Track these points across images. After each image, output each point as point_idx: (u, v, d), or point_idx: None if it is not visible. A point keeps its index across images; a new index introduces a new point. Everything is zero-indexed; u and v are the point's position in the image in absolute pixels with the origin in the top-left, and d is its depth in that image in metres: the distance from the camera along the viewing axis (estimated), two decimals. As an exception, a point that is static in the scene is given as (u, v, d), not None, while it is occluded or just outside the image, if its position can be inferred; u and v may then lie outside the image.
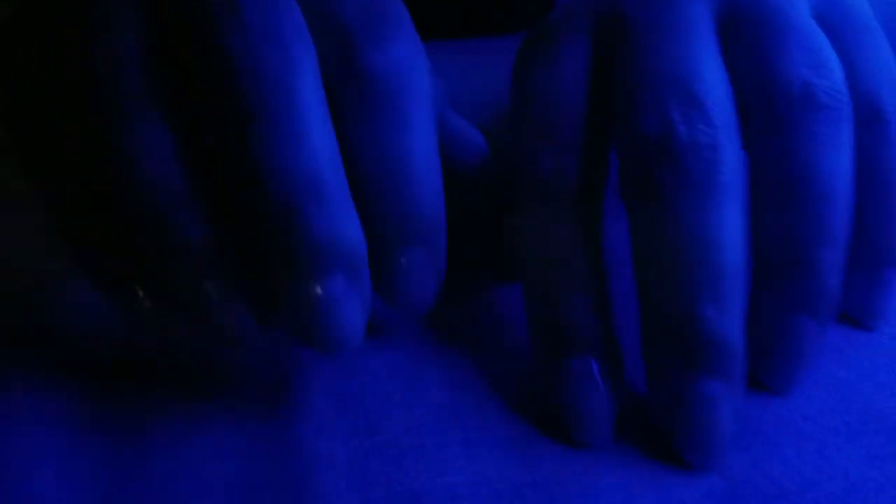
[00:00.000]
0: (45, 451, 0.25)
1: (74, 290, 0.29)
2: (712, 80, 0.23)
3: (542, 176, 0.24)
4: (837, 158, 0.23)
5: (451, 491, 0.24)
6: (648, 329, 0.23)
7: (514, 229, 0.25)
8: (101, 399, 0.27)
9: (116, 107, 0.21)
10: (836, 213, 0.23)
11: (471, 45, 0.42)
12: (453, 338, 0.29)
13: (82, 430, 0.26)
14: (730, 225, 0.22)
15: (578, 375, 0.23)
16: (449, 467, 0.25)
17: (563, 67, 0.25)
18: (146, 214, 0.21)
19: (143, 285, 0.22)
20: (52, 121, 0.22)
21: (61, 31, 0.23)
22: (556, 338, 0.24)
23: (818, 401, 0.26)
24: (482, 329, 0.29)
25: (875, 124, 0.24)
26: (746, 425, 0.25)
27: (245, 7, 0.21)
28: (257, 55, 0.21)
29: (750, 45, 0.23)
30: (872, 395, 0.26)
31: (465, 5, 0.43)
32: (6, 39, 0.24)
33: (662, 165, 0.22)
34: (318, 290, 0.21)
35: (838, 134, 0.23)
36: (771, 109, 0.23)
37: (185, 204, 0.21)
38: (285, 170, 0.20)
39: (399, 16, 0.23)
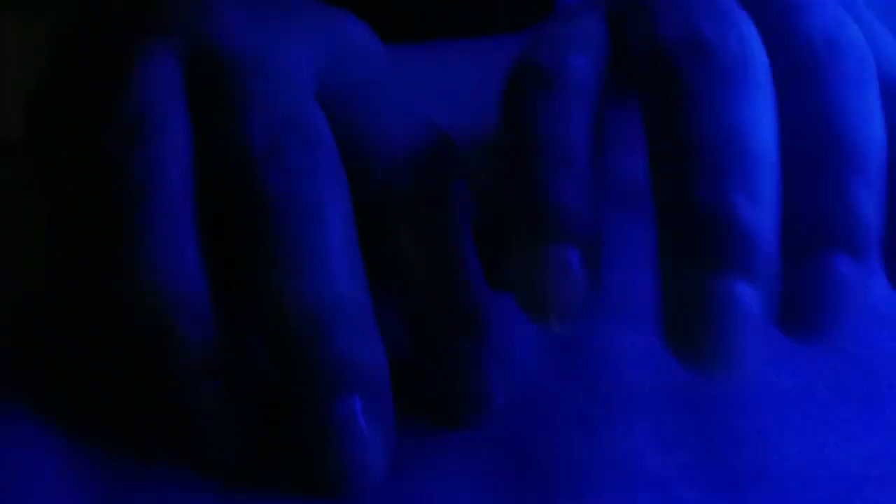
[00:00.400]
0: (44, 453, 0.25)
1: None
2: (740, 11, 0.22)
3: (541, 64, 0.23)
4: (865, 98, 0.22)
5: (452, 491, 0.24)
6: (666, 223, 0.20)
7: (512, 115, 0.23)
8: (100, 399, 0.27)
9: (152, 211, 0.22)
10: (869, 142, 0.21)
11: (470, 46, 0.42)
12: None
13: (82, 430, 0.26)
14: (763, 117, 0.20)
15: (558, 265, 0.20)
16: (449, 467, 0.25)
17: (579, 29, 0.24)
18: (158, 314, 0.22)
19: (143, 388, 0.23)
20: (82, 205, 0.23)
21: (104, 114, 0.24)
22: (536, 223, 0.21)
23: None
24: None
25: (891, 101, 0.23)
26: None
27: (287, 148, 0.23)
28: (294, 190, 0.22)
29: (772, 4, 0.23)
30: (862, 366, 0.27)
31: (464, 5, 0.43)
32: (43, 94, 0.25)
33: (690, 60, 0.21)
34: (337, 410, 0.21)
35: (866, 78, 0.22)
36: (797, 52, 0.22)
37: (200, 309, 0.22)
38: (313, 291, 0.21)
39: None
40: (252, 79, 0.24)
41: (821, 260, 0.20)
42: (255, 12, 0.25)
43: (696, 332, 0.19)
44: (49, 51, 0.27)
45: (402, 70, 0.37)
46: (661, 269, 0.20)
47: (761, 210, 0.19)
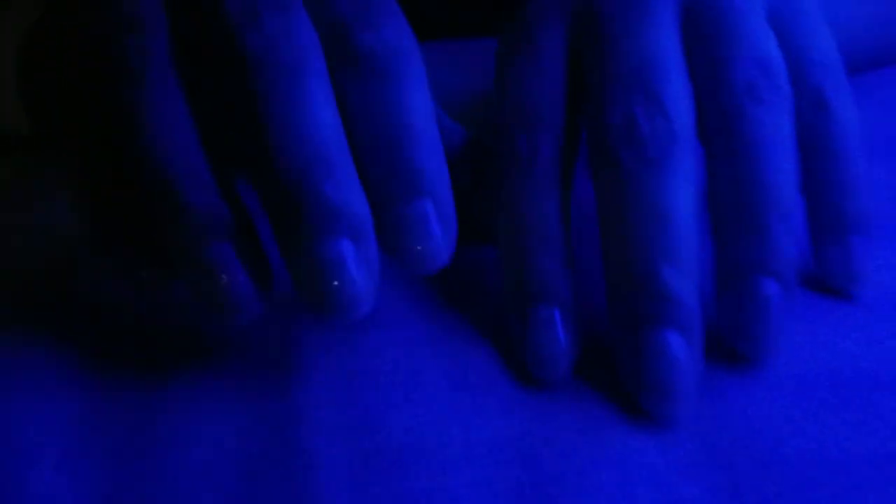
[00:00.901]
0: (45, 450, 0.25)
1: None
2: (672, 81, 0.26)
3: (519, 153, 0.27)
4: (779, 140, 0.26)
5: (452, 491, 0.24)
6: (612, 287, 0.26)
7: (492, 198, 0.28)
8: (100, 400, 0.27)
9: (144, 91, 0.24)
10: (782, 182, 0.26)
11: (468, 46, 0.42)
12: (452, 330, 0.29)
13: (81, 431, 0.26)
14: (683, 196, 0.25)
15: (544, 322, 0.26)
16: (449, 467, 0.25)
17: (540, 57, 0.28)
18: (165, 182, 0.24)
19: (152, 250, 0.25)
20: (82, 106, 0.26)
21: (92, 28, 0.26)
22: (526, 290, 0.27)
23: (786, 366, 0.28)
24: (482, 322, 0.29)
25: (820, 110, 0.28)
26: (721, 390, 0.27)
27: (263, 13, 0.24)
28: (272, 50, 0.24)
29: (705, 46, 0.27)
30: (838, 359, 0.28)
31: (464, 5, 0.43)
32: (36, 38, 0.28)
33: (626, 148, 0.26)
34: (327, 253, 0.23)
35: (779, 121, 0.26)
36: (721, 104, 0.26)
37: (201, 175, 0.24)
38: (295, 143, 0.23)
39: (388, 6, 0.26)
40: None
41: (751, 284, 0.25)
42: None
43: (640, 373, 0.25)
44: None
45: None
46: (611, 320, 0.26)
47: (683, 274, 0.25)
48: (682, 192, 0.25)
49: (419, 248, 0.24)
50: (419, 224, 0.24)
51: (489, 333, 0.29)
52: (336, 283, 0.23)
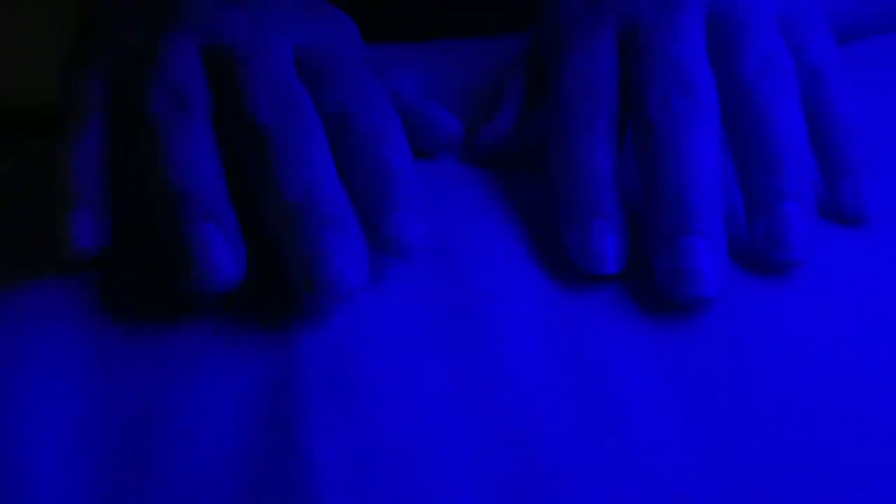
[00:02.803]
0: (45, 450, 0.25)
1: None
2: (699, 72, 0.33)
3: (584, 113, 0.34)
4: (786, 101, 0.33)
5: (452, 491, 0.24)
6: (652, 212, 0.31)
7: (554, 149, 0.34)
8: (100, 399, 0.27)
9: (188, 118, 0.32)
10: (792, 130, 0.32)
11: (466, 46, 0.42)
12: (452, 330, 0.29)
13: (81, 431, 0.26)
14: (708, 147, 0.32)
15: (599, 231, 0.31)
16: (449, 466, 0.25)
17: (597, 49, 0.35)
18: (181, 185, 0.30)
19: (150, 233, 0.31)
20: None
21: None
22: (584, 211, 0.32)
23: None
24: (479, 312, 0.29)
25: (818, 85, 0.34)
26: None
27: (284, 117, 0.32)
28: (289, 135, 0.31)
29: (726, 44, 0.34)
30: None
31: (463, 5, 0.44)
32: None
33: (662, 117, 0.32)
34: (316, 243, 0.29)
35: (786, 89, 0.33)
36: (738, 83, 0.33)
37: (213, 187, 0.30)
38: (298, 182, 0.30)
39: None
40: (252, 62, 0.33)
41: (777, 207, 0.31)
42: (251, 12, 0.35)
43: (674, 272, 0.30)
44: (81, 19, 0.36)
45: (404, 70, 0.38)
46: (652, 237, 0.31)
47: (706, 198, 0.31)
48: (707, 145, 0.32)
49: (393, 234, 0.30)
50: (394, 213, 0.30)
51: (486, 323, 0.29)
52: (324, 266, 0.28)
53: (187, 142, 0.31)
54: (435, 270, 0.30)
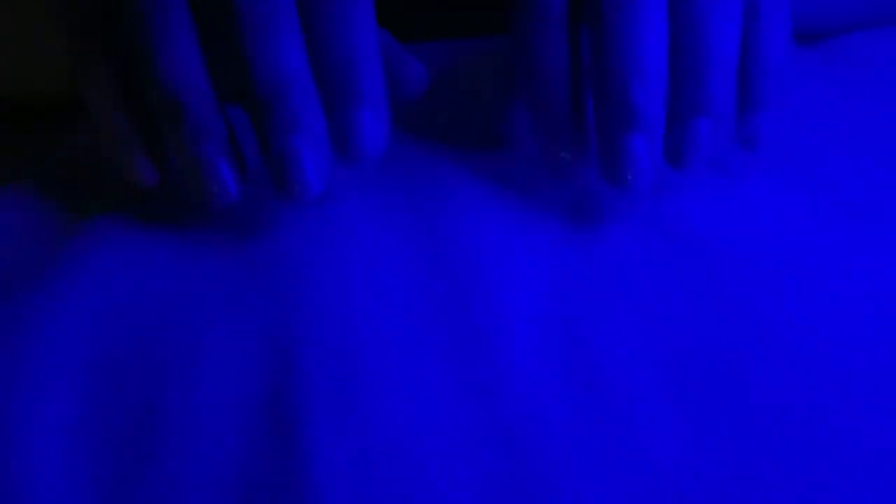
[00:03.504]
0: (45, 450, 0.25)
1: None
2: None
3: (536, 5, 0.34)
4: (723, 19, 0.33)
5: (452, 491, 0.24)
6: (597, 103, 0.33)
7: (516, 45, 0.34)
8: (100, 399, 0.27)
9: (168, 16, 0.31)
10: (722, 46, 0.33)
11: (466, 46, 0.42)
12: (452, 330, 0.29)
13: (81, 431, 0.26)
14: (652, 38, 0.32)
15: (559, 133, 0.34)
16: (449, 466, 0.25)
17: None
18: (174, 96, 0.30)
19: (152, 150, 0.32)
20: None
21: None
22: (559, 123, 0.34)
23: None
24: (479, 311, 0.29)
25: (754, 21, 0.35)
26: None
27: None
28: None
29: None
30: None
31: (461, 5, 0.44)
32: None
33: (610, 7, 0.32)
34: (289, 145, 0.30)
35: (727, 11, 0.34)
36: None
37: (203, 92, 0.31)
38: (268, 69, 0.31)
39: None
40: None
41: (689, 124, 0.33)
42: None
43: (614, 165, 0.32)
44: None
45: None
46: (597, 131, 0.32)
47: (649, 92, 0.32)
48: (652, 35, 0.32)
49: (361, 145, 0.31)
50: (360, 126, 0.31)
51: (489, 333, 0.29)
52: (296, 170, 0.30)
53: (172, 41, 0.31)
54: (435, 270, 0.30)
